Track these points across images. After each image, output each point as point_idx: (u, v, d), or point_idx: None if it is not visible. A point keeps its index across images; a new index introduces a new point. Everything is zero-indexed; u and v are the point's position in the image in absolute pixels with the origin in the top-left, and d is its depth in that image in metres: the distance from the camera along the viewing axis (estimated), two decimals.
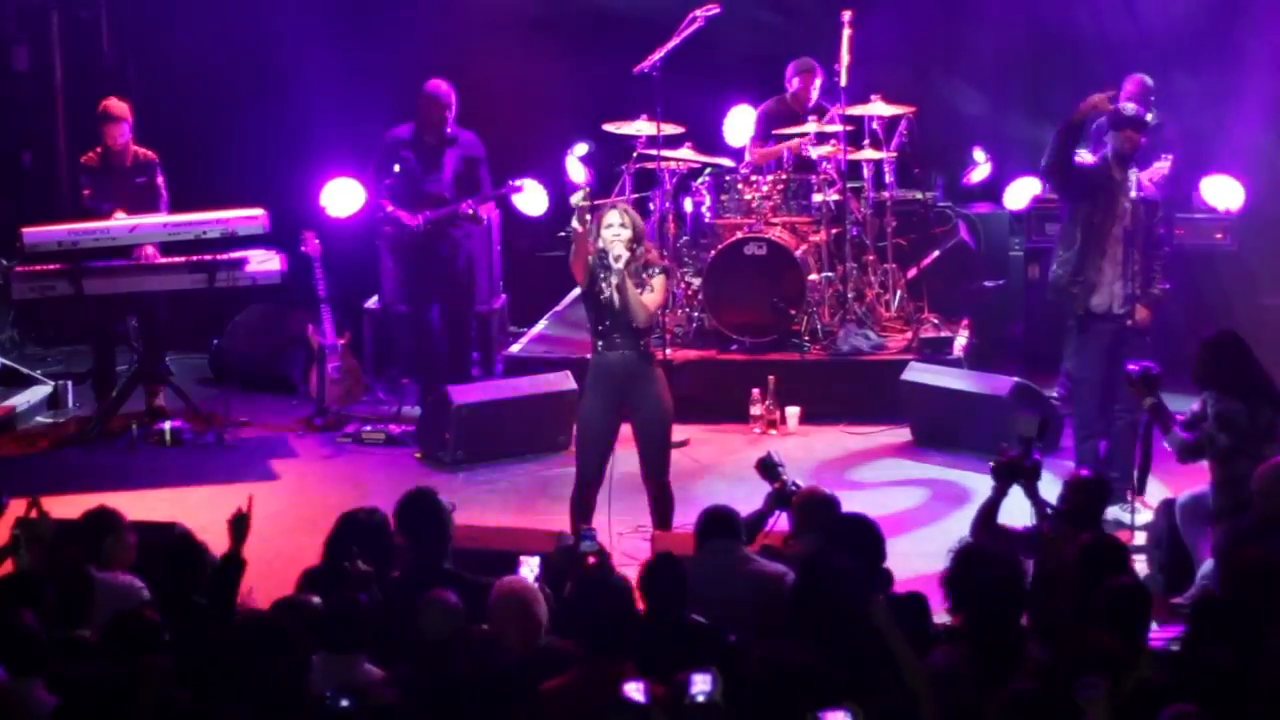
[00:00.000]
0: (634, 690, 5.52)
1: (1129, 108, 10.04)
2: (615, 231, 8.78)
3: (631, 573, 7.74)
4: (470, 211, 11.90)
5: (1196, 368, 8.93)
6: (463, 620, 6.37)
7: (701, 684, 5.49)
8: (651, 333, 9.05)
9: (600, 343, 8.90)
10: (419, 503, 7.37)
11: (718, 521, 7.50)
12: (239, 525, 7.02)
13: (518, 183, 12.18)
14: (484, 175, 12.00)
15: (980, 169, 13.46)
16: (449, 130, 11.86)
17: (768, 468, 8.33)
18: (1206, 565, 8.36)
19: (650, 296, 8.84)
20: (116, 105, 11.97)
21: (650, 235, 12.45)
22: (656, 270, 8.93)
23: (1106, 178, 9.87)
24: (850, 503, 9.71)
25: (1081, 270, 9.90)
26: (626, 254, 8.75)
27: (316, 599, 6.69)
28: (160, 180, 11.93)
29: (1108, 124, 10.00)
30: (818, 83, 12.74)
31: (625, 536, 9.25)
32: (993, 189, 13.65)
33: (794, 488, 8.00)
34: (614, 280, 8.74)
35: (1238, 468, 8.46)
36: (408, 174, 11.86)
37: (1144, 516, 9.40)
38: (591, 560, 7.28)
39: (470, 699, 5.91)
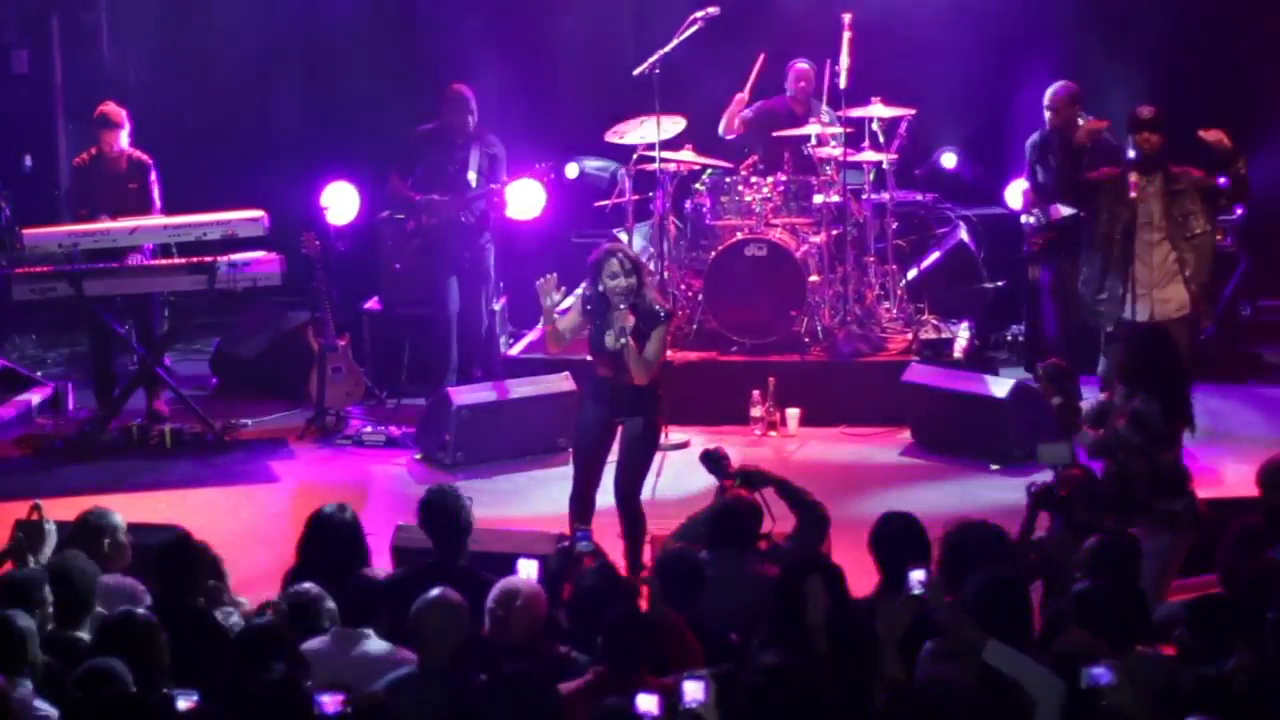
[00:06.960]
0: (647, 702, 5.48)
1: (1145, 111, 10.07)
2: (620, 282, 8.49)
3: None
4: (494, 193, 12.05)
5: (1124, 362, 8.82)
6: (467, 619, 6.36)
7: (694, 692, 5.47)
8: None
9: (600, 366, 8.72)
10: (441, 499, 7.43)
11: (727, 527, 7.48)
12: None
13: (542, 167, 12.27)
14: (505, 174, 12.18)
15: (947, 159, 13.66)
16: (473, 130, 12.00)
17: (713, 461, 8.29)
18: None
19: (651, 349, 8.55)
20: (115, 111, 11.93)
21: (651, 235, 12.48)
22: (660, 318, 8.59)
23: (1122, 185, 9.88)
24: (851, 505, 9.81)
25: (1103, 286, 9.93)
26: (632, 320, 8.47)
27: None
28: (153, 183, 11.91)
29: (1127, 128, 10.11)
30: (811, 81, 12.73)
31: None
32: (991, 188, 13.63)
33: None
34: (621, 343, 8.46)
35: (1135, 465, 8.27)
36: (432, 170, 12.00)
37: None
38: (588, 562, 7.27)
39: (491, 702, 5.89)
